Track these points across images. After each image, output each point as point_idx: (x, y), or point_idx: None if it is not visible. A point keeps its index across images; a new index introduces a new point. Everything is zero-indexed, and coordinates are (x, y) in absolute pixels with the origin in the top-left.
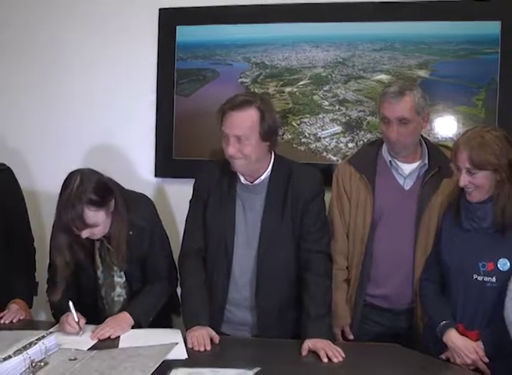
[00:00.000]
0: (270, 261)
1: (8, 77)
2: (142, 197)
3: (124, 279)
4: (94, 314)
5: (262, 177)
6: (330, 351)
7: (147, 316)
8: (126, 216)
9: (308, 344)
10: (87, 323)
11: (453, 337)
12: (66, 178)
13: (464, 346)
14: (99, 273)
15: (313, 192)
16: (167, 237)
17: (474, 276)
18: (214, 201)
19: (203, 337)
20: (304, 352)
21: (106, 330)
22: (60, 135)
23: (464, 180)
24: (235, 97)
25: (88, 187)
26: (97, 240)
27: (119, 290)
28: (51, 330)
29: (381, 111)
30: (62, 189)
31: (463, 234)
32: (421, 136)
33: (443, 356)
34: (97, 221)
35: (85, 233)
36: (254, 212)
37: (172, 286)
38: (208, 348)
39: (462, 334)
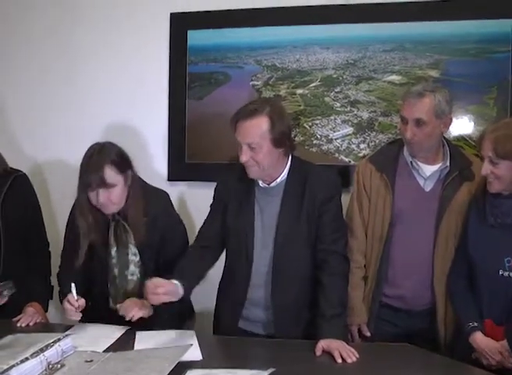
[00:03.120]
0: (285, 262)
1: (23, 80)
2: (159, 189)
3: (138, 257)
4: (102, 302)
5: (278, 180)
6: (344, 352)
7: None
8: (141, 196)
9: (322, 344)
10: (93, 321)
11: (477, 339)
12: (88, 148)
13: (488, 348)
14: (113, 252)
15: (329, 193)
16: (185, 232)
17: (500, 272)
18: (234, 204)
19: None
20: (318, 352)
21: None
22: (73, 140)
23: (486, 168)
24: (246, 106)
25: (110, 150)
26: (113, 219)
27: (132, 268)
28: (68, 332)
29: (401, 109)
30: (83, 156)
31: (488, 230)
32: (444, 137)
33: (473, 356)
34: (115, 184)
35: (102, 196)
36: (270, 213)
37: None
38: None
39: (490, 330)
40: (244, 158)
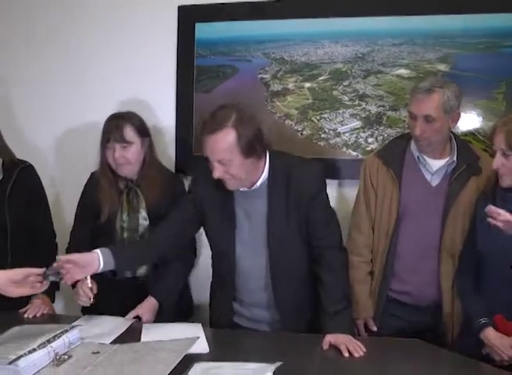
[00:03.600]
0: (282, 263)
1: (27, 74)
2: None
3: (148, 222)
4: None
5: (259, 183)
6: (351, 346)
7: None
8: (157, 166)
9: (329, 338)
10: (103, 313)
11: (489, 335)
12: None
13: (500, 344)
14: (124, 216)
15: (315, 188)
16: None
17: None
18: (213, 213)
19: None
20: (325, 346)
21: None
22: (80, 134)
23: (498, 162)
24: (210, 118)
25: (133, 115)
26: (126, 187)
27: (142, 232)
28: (75, 324)
29: (410, 105)
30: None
31: None
32: (451, 132)
33: (484, 352)
34: (132, 141)
35: (118, 153)
36: (258, 217)
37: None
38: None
39: (502, 326)
40: (217, 174)
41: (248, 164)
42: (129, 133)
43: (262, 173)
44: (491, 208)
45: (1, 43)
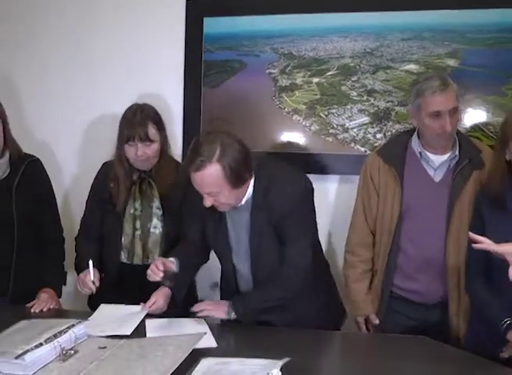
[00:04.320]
0: (263, 269)
1: (34, 68)
2: None
3: (161, 212)
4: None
5: (244, 201)
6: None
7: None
8: (170, 158)
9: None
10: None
11: None
12: (128, 107)
13: None
14: (137, 204)
15: (287, 207)
16: None
17: None
18: (209, 224)
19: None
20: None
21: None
22: (89, 128)
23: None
24: (193, 155)
25: (150, 110)
26: (139, 177)
27: (155, 221)
28: (92, 317)
29: (429, 107)
30: (124, 113)
31: (508, 217)
32: None
33: (505, 355)
34: (155, 140)
35: (141, 150)
36: (242, 228)
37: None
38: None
39: None
40: (208, 203)
41: (237, 191)
42: (152, 131)
43: (247, 190)
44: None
45: (7, 40)
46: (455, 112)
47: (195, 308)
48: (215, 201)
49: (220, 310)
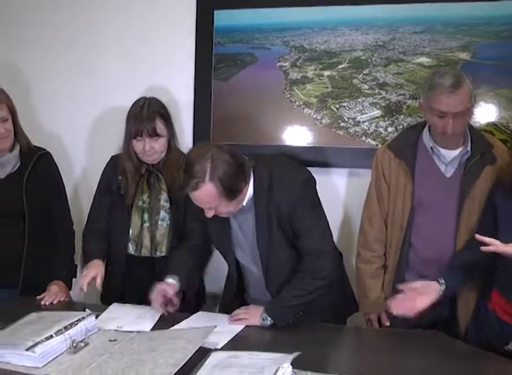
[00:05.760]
0: (273, 264)
1: (43, 62)
2: None
3: (169, 204)
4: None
5: (245, 202)
6: (242, 315)
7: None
8: (178, 151)
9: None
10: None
11: None
12: (135, 101)
13: None
14: (145, 197)
15: (293, 202)
16: None
17: None
18: (211, 223)
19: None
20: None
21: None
22: (99, 121)
23: None
24: (184, 175)
25: (157, 104)
26: (146, 170)
27: (163, 213)
28: (104, 313)
29: (435, 104)
30: (132, 108)
31: None
32: None
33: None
34: (163, 135)
35: (149, 145)
36: (248, 228)
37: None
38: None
39: None
40: (210, 215)
41: (235, 201)
42: (160, 126)
43: (247, 192)
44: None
45: (18, 34)
46: (463, 115)
47: (231, 319)
48: (216, 212)
49: (254, 318)
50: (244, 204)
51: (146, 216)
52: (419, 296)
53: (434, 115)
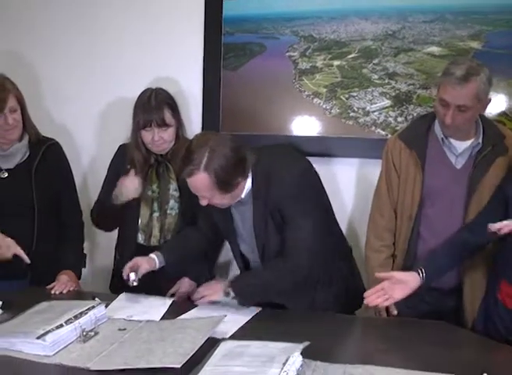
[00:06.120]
0: (269, 252)
1: (51, 53)
2: None
3: (179, 193)
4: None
5: (243, 195)
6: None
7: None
8: (186, 141)
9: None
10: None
11: None
12: (142, 92)
13: None
14: (154, 186)
15: (286, 190)
16: None
17: None
18: (216, 214)
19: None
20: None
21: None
22: (108, 112)
23: None
24: (183, 160)
25: (164, 94)
26: (155, 160)
27: (172, 202)
28: (115, 302)
29: (440, 91)
30: (139, 98)
31: None
32: None
33: None
34: (171, 124)
35: (157, 135)
36: (247, 220)
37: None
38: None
39: None
40: (204, 203)
41: (229, 195)
42: (168, 116)
43: (244, 186)
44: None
45: (27, 25)
46: (464, 110)
47: (194, 297)
48: (210, 202)
49: (216, 293)
50: (243, 196)
51: (155, 205)
52: (398, 285)
53: (439, 103)
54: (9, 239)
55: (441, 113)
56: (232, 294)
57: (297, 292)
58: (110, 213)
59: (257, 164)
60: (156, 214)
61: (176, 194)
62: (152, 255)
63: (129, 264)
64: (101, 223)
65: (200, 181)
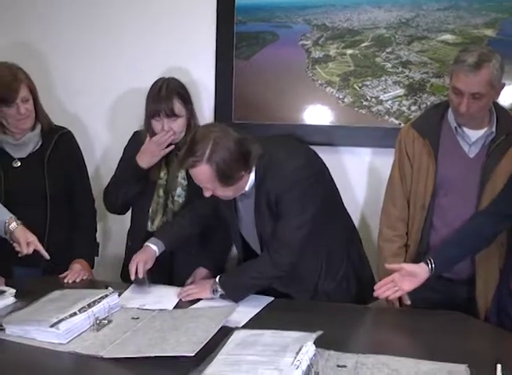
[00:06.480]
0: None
1: (63, 42)
2: None
3: (187, 182)
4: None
5: (247, 188)
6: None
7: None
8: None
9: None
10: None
11: None
12: (154, 82)
13: None
14: (162, 173)
15: (282, 186)
16: None
17: None
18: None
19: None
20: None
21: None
22: (120, 101)
23: None
24: (185, 152)
25: (176, 84)
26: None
27: (179, 190)
28: (126, 292)
29: (453, 80)
30: (151, 88)
31: None
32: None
33: None
34: (181, 115)
35: (167, 125)
36: (249, 213)
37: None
38: None
39: None
40: (207, 194)
41: (232, 187)
42: (178, 106)
43: (248, 179)
44: None
45: (38, 15)
46: (478, 98)
47: (180, 295)
48: (213, 193)
49: (204, 291)
50: (247, 189)
51: (161, 191)
52: (407, 277)
53: (452, 91)
54: (31, 235)
55: (455, 102)
56: (220, 291)
57: (299, 281)
58: (134, 177)
59: (260, 158)
60: (161, 200)
61: (184, 182)
62: (150, 245)
63: (133, 268)
64: (115, 198)
65: (203, 173)
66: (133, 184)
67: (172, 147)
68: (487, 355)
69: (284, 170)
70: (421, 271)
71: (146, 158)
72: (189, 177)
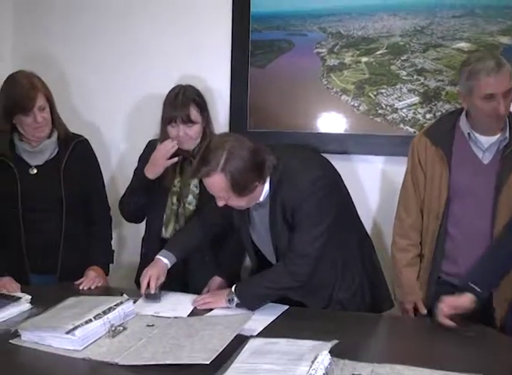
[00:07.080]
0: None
1: (78, 51)
2: None
3: (198, 191)
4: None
5: (262, 198)
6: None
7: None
8: None
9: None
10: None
11: None
12: (171, 89)
13: None
14: (176, 181)
15: (297, 198)
16: None
17: None
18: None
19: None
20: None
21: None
22: (133, 109)
23: None
24: (199, 161)
25: (193, 91)
26: (180, 154)
27: (191, 198)
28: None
29: (479, 90)
30: (168, 95)
31: None
32: None
33: None
34: (197, 121)
35: (182, 131)
36: (264, 223)
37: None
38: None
39: None
40: (220, 204)
41: (246, 197)
42: (194, 113)
43: (263, 189)
44: None
45: (54, 25)
46: (508, 94)
47: (195, 303)
48: (227, 202)
49: (220, 300)
50: (261, 199)
51: (174, 198)
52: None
53: (483, 100)
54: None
55: (489, 109)
56: (236, 300)
57: (314, 291)
58: (142, 187)
59: (274, 168)
60: (174, 207)
61: (196, 190)
62: (162, 258)
63: (144, 282)
64: (129, 207)
65: (217, 182)
66: (141, 195)
67: (176, 159)
68: (503, 366)
69: (300, 182)
70: (465, 301)
71: (152, 169)
72: (201, 185)
